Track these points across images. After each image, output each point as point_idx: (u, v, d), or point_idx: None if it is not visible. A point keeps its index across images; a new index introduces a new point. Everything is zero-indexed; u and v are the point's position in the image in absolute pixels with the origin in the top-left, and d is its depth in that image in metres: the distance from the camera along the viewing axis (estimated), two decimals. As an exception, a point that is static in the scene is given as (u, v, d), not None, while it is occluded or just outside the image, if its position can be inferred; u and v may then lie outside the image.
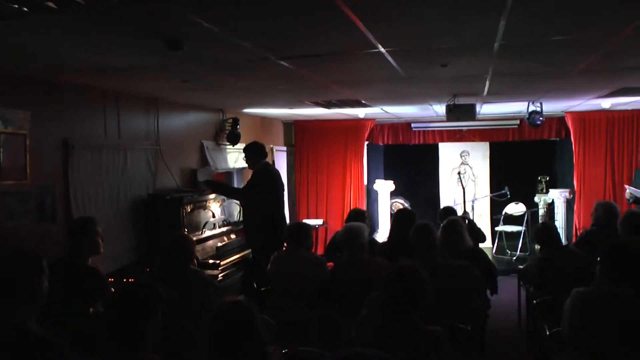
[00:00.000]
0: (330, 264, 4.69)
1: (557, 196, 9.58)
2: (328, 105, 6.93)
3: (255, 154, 6.26)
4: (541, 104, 7.05)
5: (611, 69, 4.58)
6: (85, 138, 4.86)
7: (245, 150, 6.34)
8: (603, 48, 3.65)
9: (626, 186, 7.31)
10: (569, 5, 2.66)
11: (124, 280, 4.70)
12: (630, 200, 7.18)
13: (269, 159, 9.00)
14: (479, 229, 6.38)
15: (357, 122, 9.44)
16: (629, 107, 8.22)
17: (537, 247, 9.60)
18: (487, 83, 5.15)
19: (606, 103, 7.42)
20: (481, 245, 5.88)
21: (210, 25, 2.83)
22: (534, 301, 4.52)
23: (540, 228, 5.09)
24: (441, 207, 7.42)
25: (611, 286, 2.90)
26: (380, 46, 3.42)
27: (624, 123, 8.75)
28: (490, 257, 9.44)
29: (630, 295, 2.85)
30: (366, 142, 9.94)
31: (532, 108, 7.14)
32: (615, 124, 8.78)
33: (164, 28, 2.92)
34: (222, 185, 6.89)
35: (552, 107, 7.86)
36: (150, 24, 2.84)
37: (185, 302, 3.67)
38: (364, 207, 9.71)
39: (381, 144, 10.46)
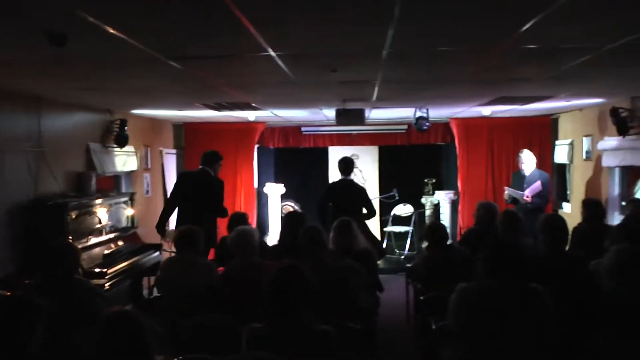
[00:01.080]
0: (221, 268, 4.64)
1: (443, 197, 10.02)
2: (219, 107, 6.86)
3: None
4: (427, 110, 7.32)
5: (491, 79, 4.86)
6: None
7: None
8: (483, 60, 3.86)
9: (505, 187, 7.78)
10: (452, 19, 2.79)
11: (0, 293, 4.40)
12: (509, 200, 7.66)
13: (158, 162, 8.81)
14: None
15: (248, 125, 9.39)
16: (507, 115, 8.76)
17: (423, 245, 10.03)
18: (376, 89, 5.29)
19: (487, 110, 7.87)
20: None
21: (96, 21, 2.70)
22: (421, 298, 4.69)
23: (429, 227, 5.32)
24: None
25: (492, 281, 3.08)
26: (270, 50, 3.42)
27: (502, 129, 9.29)
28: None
29: (508, 289, 3.05)
30: (257, 145, 9.91)
31: (419, 114, 7.39)
32: (495, 130, 9.31)
33: (46, 21, 2.74)
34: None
35: (438, 113, 8.22)
36: (31, 16, 2.65)
37: (70, 314, 3.49)
38: (254, 211, 9.69)
39: (272, 147, 10.46)
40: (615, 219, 7.00)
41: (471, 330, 3.03)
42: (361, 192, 6.84)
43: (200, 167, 6.67)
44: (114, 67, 4.02)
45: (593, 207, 5.67)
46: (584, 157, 7.91)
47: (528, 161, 7.58)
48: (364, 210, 6.78)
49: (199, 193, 6.43)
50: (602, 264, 3.39)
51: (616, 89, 5.76)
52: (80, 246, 4.51)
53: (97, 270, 5.37)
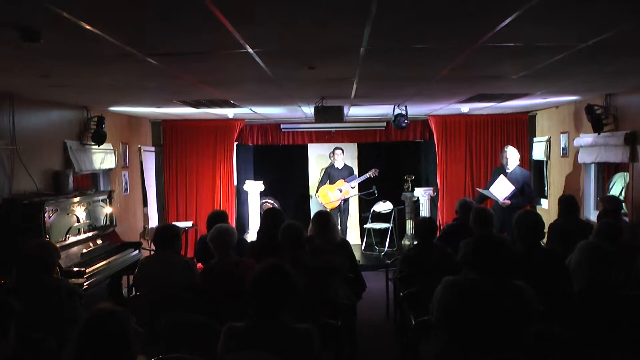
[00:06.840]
0: (200, 266, 4.63)
1: (422, 194, 10.07)
2: (197, 104, 6.82)
3: None
4: (406, 107, 7.36)
5: (468, 77, 4.89)
6: None
7: None
8: (460, 57, 3.89)
9: (477, 190, 7.84)
10: (428, 17, 2.81)
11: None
12: (478, 201, 7.63)
13: (136, 160, 8.74)
14: None
15: (227, 122, 9.37)
16: (484, 112, 8.85)
17: (403, 242, 10.09)
18: (354, 86, 5.30)
19: (465, 108, 7.92)
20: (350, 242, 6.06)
21: (71, 16, 2.66)
22: (401, 294, 4.71)
23: (418, 221, 5.40)
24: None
25: (476, 275, 3.10)
26: (248, 47, 3.41)
27: (480, 126, 9.39)
28: (359, 253, 9.77)
29: (491, 283, 3.08)
30: (236, 143, 9.88)
31: (397, 111, 7.43)
32: (473, 126, 9.40)
33: (19, 17, 2.69)
34: None
35: (416, 110, 8.27)
36: (3, 11, 2.60)
37: (46, 315, 3.45)
38: (234, 208, 9.67)
39: (251, 144, 10.44)
40: (591, 214, 7.11)
41: (454, 323, 3.05)
42: None
43: None
44: (90, 63, 3.96)
45: (568, 203, 5.76)
46: (561, 153, 8.01)
47: (512, 157, 7.60)
48: None
49: None
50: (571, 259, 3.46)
51: (590, 87, 5.84)
52: (58, 245, 4.45)
53: (75, 269, 5.33)
